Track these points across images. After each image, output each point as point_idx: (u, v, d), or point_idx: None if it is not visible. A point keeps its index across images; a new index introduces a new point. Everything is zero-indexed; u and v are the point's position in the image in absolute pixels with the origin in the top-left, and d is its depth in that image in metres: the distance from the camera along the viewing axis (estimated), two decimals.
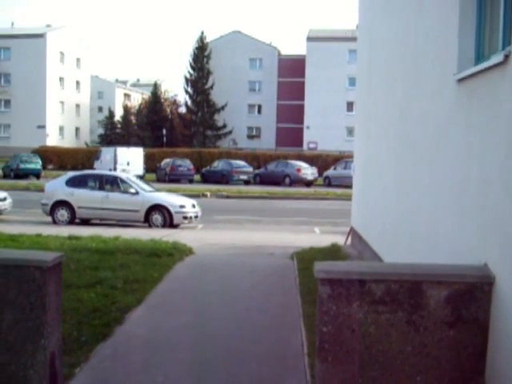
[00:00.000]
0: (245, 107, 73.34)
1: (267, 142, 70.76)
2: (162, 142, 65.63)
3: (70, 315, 6.77)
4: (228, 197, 30.40)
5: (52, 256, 4.72)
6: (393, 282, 4.09)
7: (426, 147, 6.22)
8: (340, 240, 13.62)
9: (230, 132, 71.01)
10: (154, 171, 43.18)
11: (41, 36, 69.67)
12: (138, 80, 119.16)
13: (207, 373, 5.65)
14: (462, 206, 4.81)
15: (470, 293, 4.07)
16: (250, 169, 41.49)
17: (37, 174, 41.19)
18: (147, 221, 17.50)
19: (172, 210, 17.49)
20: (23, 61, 67.72)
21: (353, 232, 13.34)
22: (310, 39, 68.81)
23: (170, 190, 23.89)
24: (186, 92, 73.21)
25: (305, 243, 13.25)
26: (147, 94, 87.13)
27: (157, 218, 17.45)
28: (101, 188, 18.21)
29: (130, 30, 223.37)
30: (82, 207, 17.80)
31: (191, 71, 72.51)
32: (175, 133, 72.07)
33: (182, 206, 17.76)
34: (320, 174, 41.16)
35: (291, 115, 70.46)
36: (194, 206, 18.12)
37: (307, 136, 66.93)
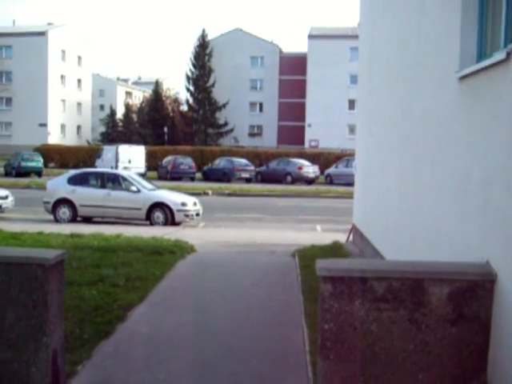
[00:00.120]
0: (246, 105, 73.32)
1: (269, 140, 70.74)
2: (164, 139, 65.67)
3: (72, 313, 6.79)
4: (229, 195, 30.40)
5: (54, 254, 4.73)
6: (395, 280, 4.09)
7: (428, 145, 6.22)
8: (342, 238, 13.62)
9: (232, 130, 71.01)
10: (155, 169, 43.16)
11: (42, 34, 69.69)
12: (140, 78, 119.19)
13: (209, 370, 5.66)
14: (464, 204, 4.80)
15: (472, 290, 4.07)
16: (252, 167, 41.44)
17: (38, 172, 41.21)
18: (149, 219, 17.50)
19: (174, 208, 17.48)
20: (25, 59, 67.74)
21: (354, 230, 13.34)
22: (311, 37, 68.77)
23: (171, 188, 23.87)
24: (188, 90, 73.19)
25: (306, 241, 13.25)
26: (149, 92, 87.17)
27: (158, 215, 17.46)
28: (102, 186, 18.21)
29: (132, 28, 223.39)
30: (83, 205, 17.81)
31: (193, 69, 72.49)
32: (177, 131, 72.08)
33: (183, 204, 17.76)
34: (321, 172, 41.14)
35: (293, 113, 70.44)
36: (195, 204, 18.11)
37: (309, 134, 66.91)
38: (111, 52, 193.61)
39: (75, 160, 49.82)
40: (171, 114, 76.01)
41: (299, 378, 5.43)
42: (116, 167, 36.14)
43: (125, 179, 18.42)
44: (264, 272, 10.48)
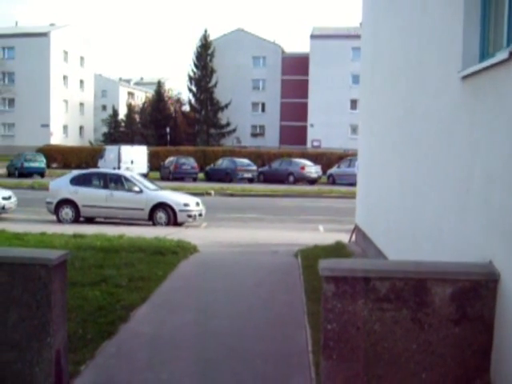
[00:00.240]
0: (248, 105, 73.32)
1: (271, 140, 70.72)
2: (166, 140, 65.69)
3: (75, 313, 6.79)
4: (232, 195, 30.41)
5: (57, 254, 4.74)
6: (397, 280, 4.09)
7: (430, 145, 6.22)
8: (344, 238, 13.62)
9: (234, 130, 71.00)
10: (157, 169, 43.20)
11: (44, 35, 69.76)
12: (142, 78, 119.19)
13: (212, 370, 5.66)
14: (466, 203, 4.80)
15: (475, 290, 4.07)
16: (254, 167, 41.44)
17: (41, 173, 41.29)
18: (151, 219, 17.52)
19: (176, 208, 17.50)
20: (27, 60, 67.81)
21: (357, 230, 13.33)
22: (313, 37, 68.76)
23: (174, 189, 23.90)
24: (190, 90, 73.23)
25: (309, 241, 13.25)
26: (151, 93, 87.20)
27: (161, 216, 17.47)
28: (105, 186, 18.24)
29: (134, 29, 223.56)
30: (86, 206, 17.83)
31: (195, 69, 72.52)
32: (179, 131, 72.12)
33: (186, 205, 17.77)
34: (324, 172, 41.11)
35: (295, 113, 70.42)
36: (198, 205, 18.12)
37: (311, 134, 66.89)
38: (113, 52, 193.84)
39: (78, 160, 49.87)
40: (173, 115, 76.07)
41: (302, 378, 5.43)
42: (118, 168, 36.19)
43: (127, 179, 18.44)
44: (267, 272, 10.48)
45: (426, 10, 6.57)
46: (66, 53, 73.26)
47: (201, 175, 41.87)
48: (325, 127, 64.51)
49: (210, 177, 41.15)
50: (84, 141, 74.59)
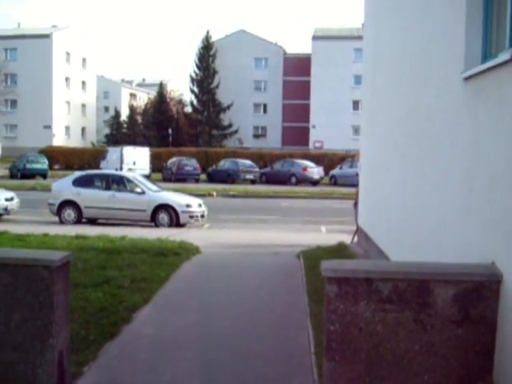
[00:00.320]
0: (250, 106, 73.37)
1: (273, 141, 70.75)
2: (168, 141, 65.74)
3: (78, 314, 6.80)
4: (234, 196, 30.42)
5: (60, 255, 4.75)
6: (400, 281, 4.09)
7: (432, 145, 6.21)
8: (346, 239, 13.61)
9: (236, 131, 71.04)
10: (160, 171, 43.23)
11: (47, 36, 69.89)
12: (144, 80, 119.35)
13: (214, 371, 5.66)
14: (469, 204, 4.80)
15: (478, 291, 4.06)
16: (256, 168, 41.48)
17: (43, 174, 41.32)
18: (154, 220, 17.53)
19: (178, 209, 17.51)
20: (29, 61, 67.93)
21: (359, 230, 13.32)
22: (315, 38, 68.79)
23: (176, 190, 23.92)
24: (192, 91, 73.32)
25: (311, 242, 13.25)
26: (153, 94, 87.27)
27: (163, 217, 17.48)
28: (107, 188, 18.26)
29: (136, 30, 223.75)
30: (88, 207, 17.85)
31: (197, 71, 72.60)
32: (181, 132, 72.17)
33: (188, 206, 17.78)
34: (326, 173, 41.12)
35: (297, 114, 70.45)
36: (200, 206, 18.13)
37: (313, 135, 66.89)
38: (115, 54, 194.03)
39: (80, 162, 49.87)
40: (175, 116, 76.09)
41: (305, 380, 5.43)
42: (121, 169, 36.21)
43: (129, 181, 18.46)
44: (269, 273, 10.48)
45: (428, 10, 6.57)
46: (68, 54, 73.38)
47: (203, 176, 41.88)
48: (327, 128, 64.49)
49: (212, 178, 41.18)
50: (86, 142, 74.67)
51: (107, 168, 35.38)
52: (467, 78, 4.90)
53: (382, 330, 4.08)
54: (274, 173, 40.77)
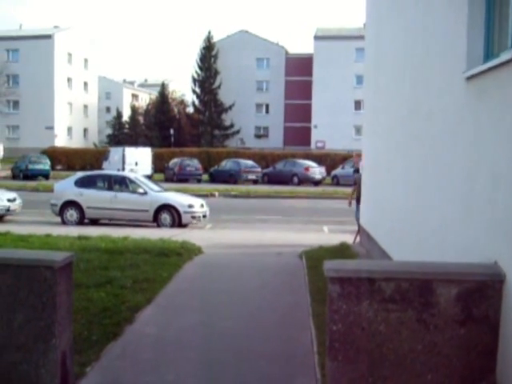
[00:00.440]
0: (252, 107, 73.39)
1: (275, 142, 70.75)
2: (170, 141, 65.78)
3: (81, 315, 6.81)
4: (236, 196, 30.41)
5: (63, 256, 4.76)
6: (403, 281, 4.09)
7: (434, 145, 6.21)
8: (349, 239, 13.60)
9: (238, 131, 71.07)
10: (162, 171, 43.25)
11: (49, 37, 69.96)
12: (146, 80, 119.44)
13: (217, 371, 5.67)
14: (471, 203, 4.80)
15: (481, 291, 4.06)
16: (258, 168, 41.49)
17: (46, 175, 41.37)
18: (156, 221, 17.53)
19: (181, 209, 17.51)
20: (31, 62, 68.02)
21: (361, 230, 13.32)
22: (317, 38, 68.79)
23: (178, 190, 23.93)
24: (194, 92, 73.37)
25: (313, 242, 13.24)
26: (155, 94, 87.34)
27: (165, 217, 17.48)
28: (109, 188, 18.28)
29: (138, 31, 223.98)
30: (90, 207, 17.87)
31: (198, 71, 72.64)
32: (183, 133, 72.20)
33: (190, 206, 17.78)
34: (328, 173, 41.11)
35: (299, 114, 70.44)
36: (202, 206, 18.13)
37: (315, 135, 66.88)
38: (117, 54, 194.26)
39: (82, 162, 49.93)
40: (177, 116, 76.15)
41: (307, 379, 5.43)
42: (123, 169, 36.21)
43: (132, 181, 18.48)
44: (271, 273, 10.48)
45: (430, 10, 6.56)
46: (70, 55, 73.45)
47: (205, 177, 41.91)
48: (329, 128, 64.48)
49: (215, 178, 41.19)
50: (88, 143, 74.74)
51: (109, 168, 35.40)
52: (469, 78, 4.89)
53: (384, 330, 4.08)
54: (275, 173, 40.77)
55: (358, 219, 14.01)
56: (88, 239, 12.94)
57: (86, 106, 78.09)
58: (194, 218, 17.72)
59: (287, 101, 72.86)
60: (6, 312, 4.63)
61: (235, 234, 16.23)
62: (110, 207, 17.77)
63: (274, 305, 8.22)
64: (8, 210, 18.39)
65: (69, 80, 73.37)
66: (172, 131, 67.38)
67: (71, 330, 4.99)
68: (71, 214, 17.85)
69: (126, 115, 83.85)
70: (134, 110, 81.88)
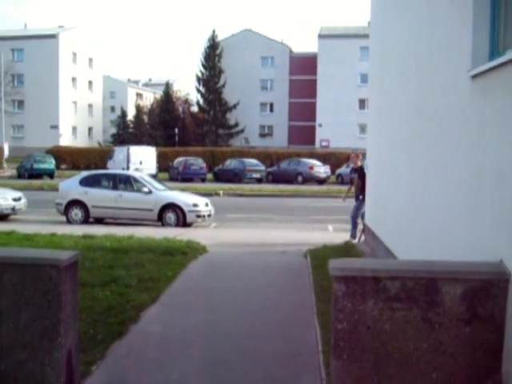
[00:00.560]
0: (257, 105, 73.35)
1: (279, 140, 70.71)
2: (175, 141, 65.86)
3: (86, 313, 6.82)
4: (241, 195, 30.43)
5: (68, 255, 4.77)
6: (408, 279, 4.08)
7: (439, 144, 6.20)
8: None
9: (242, 130, 71.05)
10: (166, 170, 43.33)
11: (53, 37, 70.09)
12: (150, 79, 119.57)
13: (222, 371, 5.67)
14: (476, 202, 4.79)
15: (486, 289, 4.05)
16: (263, 167, 41.49)
17: (50, 174, 41.49)
18: (160, 220, 17.56)
19: (185, 208, 17.53)
20: (36, 62, 68.16)
21: (366, 229, 13.31)
22: (321, 37, 68.70)
23: (182, 189, 23.97)
24: (198, 91, 73.35)
25: (318, 241, 13.24)
26: (159, 94, 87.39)
27: (170, 216, 17.50)
28: (114, 187, 18.30)
29: (142, 30, 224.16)
30: (95, 206, 17.90)
31: (203, 70, 72.64)
32: (187, 132, 72.26)
33: (195, 205, 17.80)
34: (333, 171, 41.09)
35: (303, 113, 70.38)
36: (207, 205, 18.14)
37: (319, 134, 66.83)
38: (122, 54, 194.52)
39: (87, 161, 50.04)
40: (182, 115, 76.20)
41: (312, 378, 5.43)
42: (127, 168, 36.29)
43: (136, 180, 18.50)
44: (276, 272, 10.49)
45: (435, 8, 6.55)
46: (74, 54, 73.57)
47: (209, 176, 41.93)
48: (333, 127, 64.43)
49: (219, 177, 41.22)
50: (93, 142, 74.89)
51: (114, 168, 35.49)
52: (474, 76, 4.88)
53: (389, 329, 4.08)
54: (280, 172, 40.78)
55: (353, 218, 14.04)
56: (93, 238, 12.97)
57: (90, 106, 78.22)
58: (198, 217, 17.74)
59: (291, 99, 72.81)
60: (11, 311, 4.64)
61: (240, 232, 16.24)
62: (114, 206, 17.81)
63: (279, 304, 8.22)
64: (13, 209, 18.44)
65: (73, 79, 73.51)
66: (176, 130, 67.46)
67: (76, 328, 5.00)
68: (76, 213, 17.89)
69: (131, 114, 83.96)
70: (138, 109, 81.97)
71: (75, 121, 73.57)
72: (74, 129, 73.60)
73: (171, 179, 39.44)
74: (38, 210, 20.78)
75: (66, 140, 67.64)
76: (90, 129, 78.23)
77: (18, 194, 19.10)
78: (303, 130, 70.25)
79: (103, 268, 9.61)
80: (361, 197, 13.94)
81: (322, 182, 39.14)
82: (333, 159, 45.85)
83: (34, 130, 67.78)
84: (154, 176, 29.72)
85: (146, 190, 17.96)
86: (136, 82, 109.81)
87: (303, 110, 70.47)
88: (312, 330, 6.82)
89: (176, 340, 6.55)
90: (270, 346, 6.39)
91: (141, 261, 10.37)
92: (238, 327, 7.04)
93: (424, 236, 6.89)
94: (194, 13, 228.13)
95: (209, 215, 18.05)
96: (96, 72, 79.55)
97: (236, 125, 71.28)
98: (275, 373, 5.62)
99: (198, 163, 41.92)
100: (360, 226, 14.01)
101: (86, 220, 17.89)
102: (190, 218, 17.55)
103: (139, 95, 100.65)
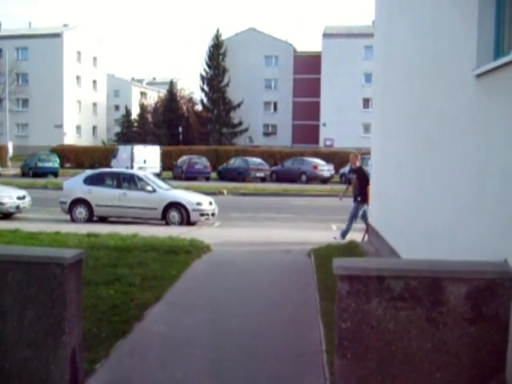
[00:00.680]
0: (261, 104, 73.34)
1: (283, 140, 70.68)
2: (178, 139, 65.89)
3: (90, 312, 6.83)
4: (244, 194, 30.42)
5: (72, 253, 4.78)
6: (412, 279, 4.08)
7: (444, 143, 6.19)
8: (357, 237, 13.57)
9: (246, 129, 71.06)
10: (170, 169, 43.34)
11: (58, 36, 70.22)
12: (154, 78, 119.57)
13: (225, 369, 5.67)
14: (481, 201, 4.78)
15: (490, 289, 4.04)
16: (267, 166, 41.47)
17: (55, 173, 41.56)
18: (164, 218, 17.57)
19: (189, 207, 17.53)
20: (40, 60, 68.31)
21: (370, 229, 13.30)
22: (325, 36, 68.62)
23: (186, 188, 23.94)
24: (202, 90, 73.39)
25: (322, 240, 13.23)
26: (163, 93, 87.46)
27: (174, 215, 17.51)
28: (118, 186, 18.31)
29: (146, 29, 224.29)
30: (99, 205, 17.91)
31: (207, 69, 72.66)
32: (191, 130, 72.27)
33: (198, 204, 17.80)
34: (336, 171, 41.05)
35: (307, 112, 70.33)
36: (210, 204, 18.15)
37: (323, 133, 66.77)
38: (126, 52, 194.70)
39: (91, 160, 50.10)
40: (186, 114, 76.21)
41: (316, 377, 5.43)
42: (131, 167, 36.34)
43: (140, 179, 18.51)
44: (280, 271, 10.48)
45: (440, 7, 6.53)
46: (79, 53, 73.70)
47: (213, 174, 41.95)
48: (337, 126, 64.35)
49: (223, 176, 41.23)
50: (97, 141, 75.00)
51: (118, 166, 35.48)
52: (479, 76, 4.87)
53: (393, 328, 4.08)
54: (284, 171, 40.76)
55: (350, 218, 14.06)
56: (97, 237, 12.99)
57: (94, 104, 78.35)
58: (202, 215, 17.75)
59: (295, 99, 72.78)
60: (16, 309, 4.66)
61: (243, 231, 16.23)
62: (118, 205, 17.82)
63: (283, 303, 8.22)
64: (17, 207, 18.47)
65: (78, 78, 73.63)
66: (180, 129, 67.49)
67: (81, 326, 5.02)
68: (80, 211, 17.91)
69: (135, 113, 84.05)
70: (142, 108, 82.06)
71: (79, 119, 73.71)
72: (79, 127, 73.73)
73: (175, 178, 39.47)
74: (43, 208, 20.81)
75: (70, 139, 67.78)
76: (94, 127, 78.36)
77: (22, 193, 19.14)
78: (307, 129, 70.19)
79: (107, 266, 9.63)
80: (359, 198, 13.96)
81: (325, 181, 39.11)
82: (337, 158, 45.75)
83: (39, 129, 67.94)
84: (158, 175, 29.76)
85: (149, 188, 17.97)
86: (140, 81, 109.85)
87: (307, 109, 70.43)
88: (316, 329, 6.81)
89: (180, 339, 6.56)
90: (274, 345, 6.39)
91: (145, 259, 10.38)
92: (241, 326, 7.05)
93: (428, 235, 6.88)
94: (198, 12, 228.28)
95: (213, 214, 18.06)
96: (100, 71, 79.67)
97: (240, 124, 71.29)
98: (279, 372, 5.62)
99: (202, 162, 41.93)
100: (356, 226, 14.02)
101: (90, 219, 17.92)
102: (193, 216, 17.56)
103: (143, 94, 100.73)
